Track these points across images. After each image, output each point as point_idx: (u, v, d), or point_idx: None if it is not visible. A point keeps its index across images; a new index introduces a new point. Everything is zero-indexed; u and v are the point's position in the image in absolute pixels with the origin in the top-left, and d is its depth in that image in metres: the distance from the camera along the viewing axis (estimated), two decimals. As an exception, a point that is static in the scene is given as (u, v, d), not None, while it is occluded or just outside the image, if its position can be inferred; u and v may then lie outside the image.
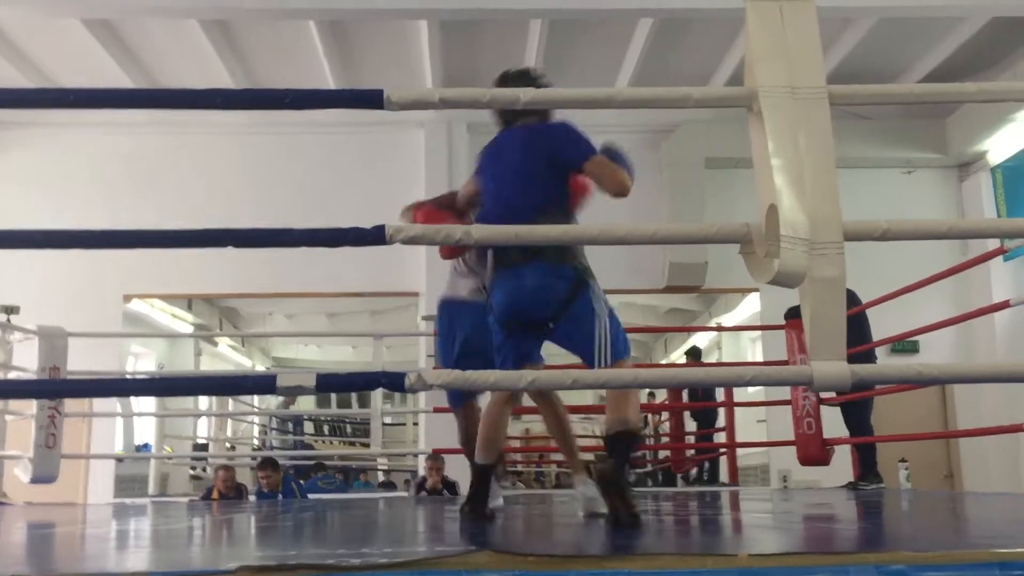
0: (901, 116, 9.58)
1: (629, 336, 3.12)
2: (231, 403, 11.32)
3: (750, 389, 8.94)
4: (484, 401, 3.46)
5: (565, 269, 3.01)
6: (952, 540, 2.18)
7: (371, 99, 2.18)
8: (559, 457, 11.69)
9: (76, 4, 7.05)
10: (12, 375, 6.11)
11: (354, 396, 13.34)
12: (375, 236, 2.14)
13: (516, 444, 12.43)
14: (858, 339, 5.71)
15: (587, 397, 12.85)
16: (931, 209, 9.53)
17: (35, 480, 5.97)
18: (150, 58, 8.48)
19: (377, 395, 7.18)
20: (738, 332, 11.81)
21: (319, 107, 2.32)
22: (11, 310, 6.36)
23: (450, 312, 4.15)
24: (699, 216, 9.01)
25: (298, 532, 2.82)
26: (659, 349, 14.74)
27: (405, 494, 8.31)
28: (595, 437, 13.04)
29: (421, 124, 9.12)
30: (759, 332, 9.44)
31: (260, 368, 15.20)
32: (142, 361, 11.49)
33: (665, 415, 10.56)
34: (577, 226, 2.30)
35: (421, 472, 7.99)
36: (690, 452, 9.71)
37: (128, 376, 9.08)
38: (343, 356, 15.79)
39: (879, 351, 6.56)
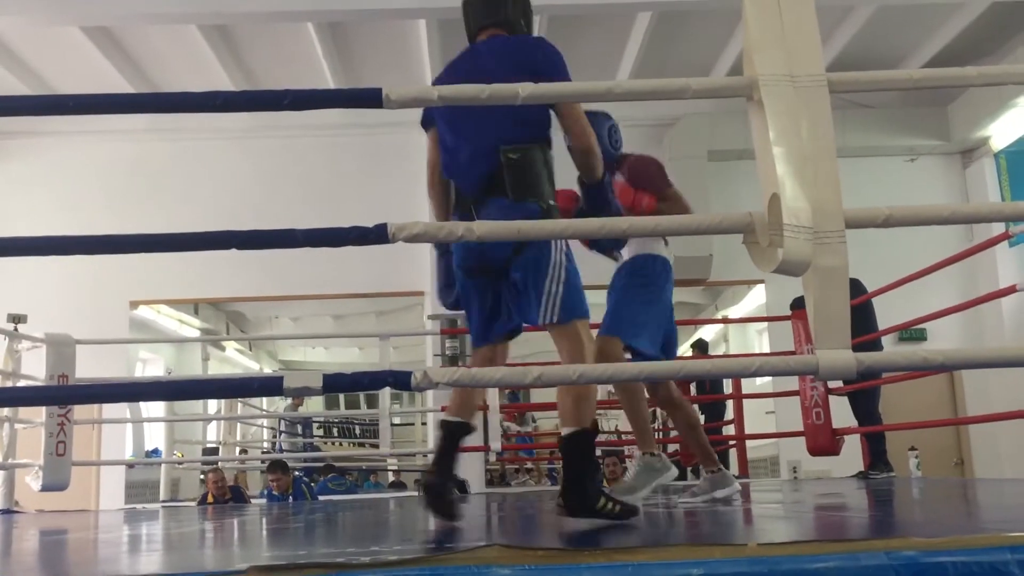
0: (903, 104, 9.56)
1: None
2: (240, 407, 11.34)
3: (758, 380, 8.95)
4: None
5: (528, 207, 2.73)
6: (963, 526, 2.18)
7: (370, 98, 2.17)
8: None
9: (75, 12, 7.06)
10: (21, 383, 6.12)
11: (362, 397, 13.37)
12: (377, 235, 2.14)
13: (527, 441, 12.44)
14: (864, 328, 5.71)
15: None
16: (935, 196, 9.50)
17: (46, 488, 5.98)
18: (151, 65, 8.51)
19: (385, 395, 7.18)
20: (745, 324, 11.81)
21: (318, 107, 2.32)
22: (18, 319, 6.37)
23: None
24: (703, 209, 8.99)
25: (308, 533, 2.83)
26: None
27: (415, 494, 8.32)
28: (603, 432, 13.05)
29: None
30: (766, 323, 9.42)
31: (268, 371, 15.23)
32: (150, 367, 11.52)
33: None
34: (579, 220, 2.29)
35: (431, 471, 8.00)
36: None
37: (136, 381, 9.09)
38: (350, 358, 15.81)
39: (886, 340, 6.54)
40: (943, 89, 8.78)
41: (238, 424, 12.67)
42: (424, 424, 11.02)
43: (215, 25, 7.77)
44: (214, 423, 12.09)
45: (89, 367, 6.43)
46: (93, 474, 8.47)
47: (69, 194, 9.12)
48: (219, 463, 8.83)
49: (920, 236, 8.37)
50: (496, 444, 6.89)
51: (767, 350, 9.51)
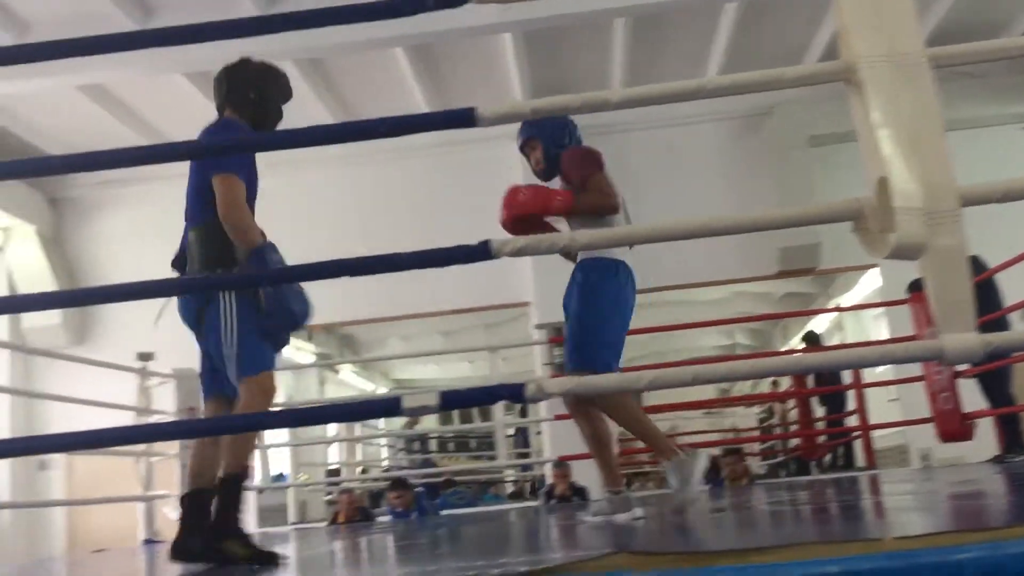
0: (1009, 72, 9.13)
1: (746, 325, 3.07)
2: (357, 428, 11.59)
3: (878, 368, 8.65)
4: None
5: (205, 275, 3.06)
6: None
7: (463, 118, 2.21)
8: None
9: (177, 60, 7.36)
10: (153, 418, 6.42)
11: (475, 410, 13.50)
12: (482, 252, 2.17)
13: (640, 444, 12.31)
14: (988, 306, 5.47)
15: (708, 392, 12.66)
16: (1055, 162, 9.04)
17: (183, 517, 6.24)
18: (251, 103, 8.81)
19: (499, 407, 7.24)
20: (860, 311, 11.46)
21: (414, 131, 2.37)
22: (147, 357, 6.69)
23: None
24: (808, 196, 8.79)
25: (435, 548, 2.87)
26: (777, 336, 14.40)
27: (535, 503, 8.34)
28: (719, 431, 12.85)
29: (514, 136, 9.16)
30: (883, 309, 9.12)
31: (382, 391, 15.52)
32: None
33: (791, 403, 10.32)
34: (679, 220, 2.27)
35: (549, 480, 8.01)
36: (821, 438, 9.44)
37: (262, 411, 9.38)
38: (461, 372, 15.99)
39: (1014, 316, 6.25)
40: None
41: (357, 445, 12.96)
42: (539, 433, 11.05)
43: (309, 59, 8.00)
44: (334, 445, 12.39)
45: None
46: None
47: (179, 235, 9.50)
48: (345, 483, 9.03)
49: (1042, 206, 7.98)
50: (613, 449, 6.83)
51: (886, 336, 9.21)
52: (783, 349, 13.50)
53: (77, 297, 3.75)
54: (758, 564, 1.45)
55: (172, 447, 6.48)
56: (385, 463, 13.90)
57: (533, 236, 2.26)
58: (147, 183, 9.66)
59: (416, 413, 2.20)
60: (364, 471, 12.83)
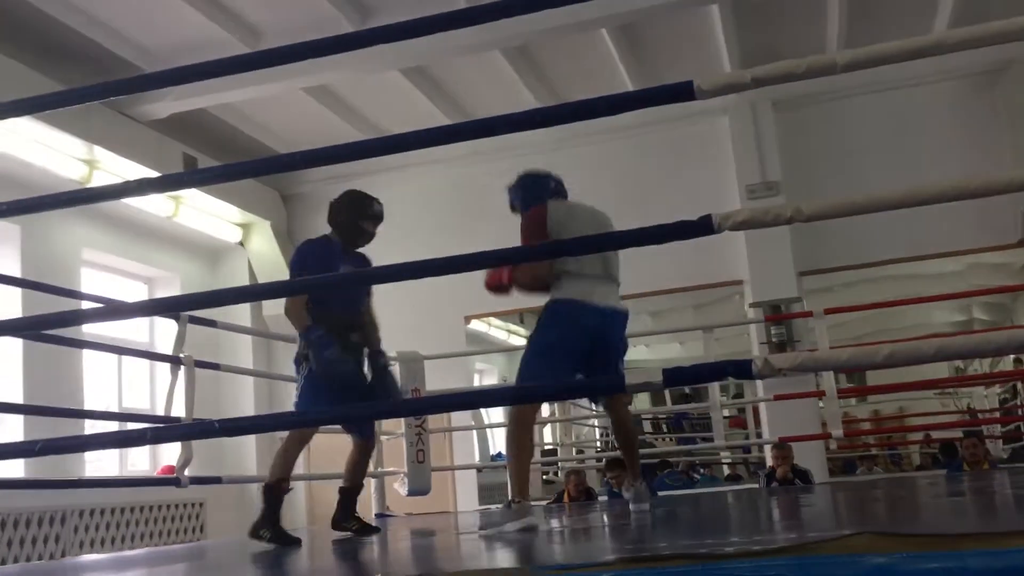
0: None
1: (984, 299, 2.86)
2: (571, 408, 11.72)
3: None
4: None
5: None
6: None
7: (681, 92, 2.18)
8: (917, 437, 10.91)
9: (393, 57, 7.69)
10: (381, 399, 6.77)
11: (686, 391, 13.32)
12: (702, 226, 2.14)
13: (866, 427, 11.77)
14: None
15: (941, 370, 11.87)
16: None
17: (411, 493, 6.57)
18: (462, 94, 9.08)
19: (714, 388, 7.11)
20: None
21: (630, 109, 2.36)
22: (374, 341, 7.05)
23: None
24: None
25: (659, 526, 2.87)
26: (1020, 310, 13.25)
27: (755, 486, 8.15)
28: (954, 412, 12.02)
29: (724, 110, 8.94)
30: None
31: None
32: (486, 377, 12.24)
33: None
34: (907, 187, 2.12)
35: (768, 463, 7.80)
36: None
37: (480, 389, 9.70)
38: (672, 353, 15.80)
39: None
40: None
41: (572, 426, 13.11)
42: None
43: (516, 47, 8.14)
44: (548, 426, 12.61)
45: (434, 380, 6.96)
46: (449, 479, 9.15)
47: (402, 223, 9.94)
48: (571, 463, 9.17)
49: None
50: (837, 430, 6.56)
51: None
52: (1026, 324, 12.43)
53: (312, 284, 4.04)
54: (1015, 549, 1.35)
55: (399, 426, 6.82)
56: (599, 444, 13.99)
57: (755, 209, 2.19)
58: (368, 177, 10.14)
59: (639, 390, 2.21)
60: (579, 452, 12.97)
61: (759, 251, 8.48)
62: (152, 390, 9.07)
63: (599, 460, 10.80)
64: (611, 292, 3.91)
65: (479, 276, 8.86)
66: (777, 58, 2.28)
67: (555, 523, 3.66)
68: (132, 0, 7.04)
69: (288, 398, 9.72)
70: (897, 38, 2.19)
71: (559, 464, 9.46)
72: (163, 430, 3.24)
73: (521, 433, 3.68)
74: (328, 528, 4.29)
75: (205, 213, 9.38)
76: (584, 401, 12.92)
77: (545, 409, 11.90)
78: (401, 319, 9.25)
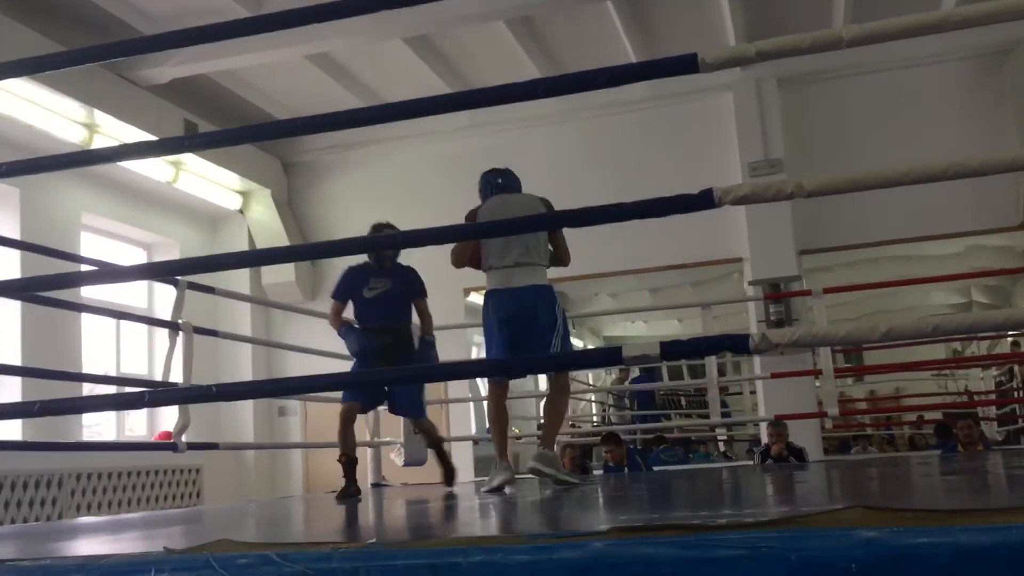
0: None
1: (983, 281, 2.86)
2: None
3: None
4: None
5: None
6: None
7: (685, 64, 2.17)
8: (910, 418, 10.94)
9: (397, 25, 7.65)
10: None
11: (684, 368, 13.35)
12: (703, 200, 2.13)
13: (862, 406, 11.80)
14: None
15: (938, 352, 11.88)
16: None
17: (407, 463, 6.59)
18: (464, 65, 9.03)
19: (712, 364, 7.12)
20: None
21: (634, 80, 2.34)
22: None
23: None
24: (1052, 143, 8.01)
25: (654, 499, 2.89)
26: (1019, 293, 13.25)
27: (750, 463, 8.19)
28: (950, 394, 12.05)
29: (728, 86, 8.90)
30: None
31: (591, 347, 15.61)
32: (483, 350, 12.23)
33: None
34: (920, 164, 2.11)
35: (763, 440, 7.84)
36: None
37: (476, 360, 9.72)
38: (670, 330, 15.82)
39: None
40: None
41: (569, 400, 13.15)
42: (752, 392, 10.79)
43: (520, 18, 8.09)
44: (545, 400, 12.64)
45: (434, 351, 6.96)
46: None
47: (400, 193, 9.93)
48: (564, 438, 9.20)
49: None
50: (833, 409, 6.58)
51: None
52: (1024, 308, 12.42)
53: (310, 250, 4.05)
54: (1006, 525, 1.36)
55: (396, 396, 6.83)
56: (595, 419, 14.04)
57: (758, 182, 2.18)
58: (369, 147, 10.15)
59: (637, 363, 2.21)
60: (574, 426, 13.02)
61: (759, 229, 8.47)
62: (150, 356, 9.10)
63: (595, 435, 10.84)
64: (528, 275, 4.40)
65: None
66: (783, 34, 2.27)
67: (549, 495, 3.68)
68: (134, -37, 6.99)
69: (286, 366, 9.81)
70: (907, 10, 2.17)
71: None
72: (161, 394, 3.25)
73: (491, 406, 4.63)
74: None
75: (205, 179, 9.36)
76: (581, 375, 13.01)
77: (542, 383, 11.94)
78: (400, 290, 9.29)
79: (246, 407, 9.66)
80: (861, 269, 10.85)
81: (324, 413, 9.33)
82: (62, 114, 7.45)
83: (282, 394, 7.61)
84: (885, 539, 1.32)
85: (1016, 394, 10.76)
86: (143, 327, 8.79)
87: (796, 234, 8.46)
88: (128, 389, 6.27)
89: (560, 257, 4.73)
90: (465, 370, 5.19)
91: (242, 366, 9.62)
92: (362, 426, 6.82)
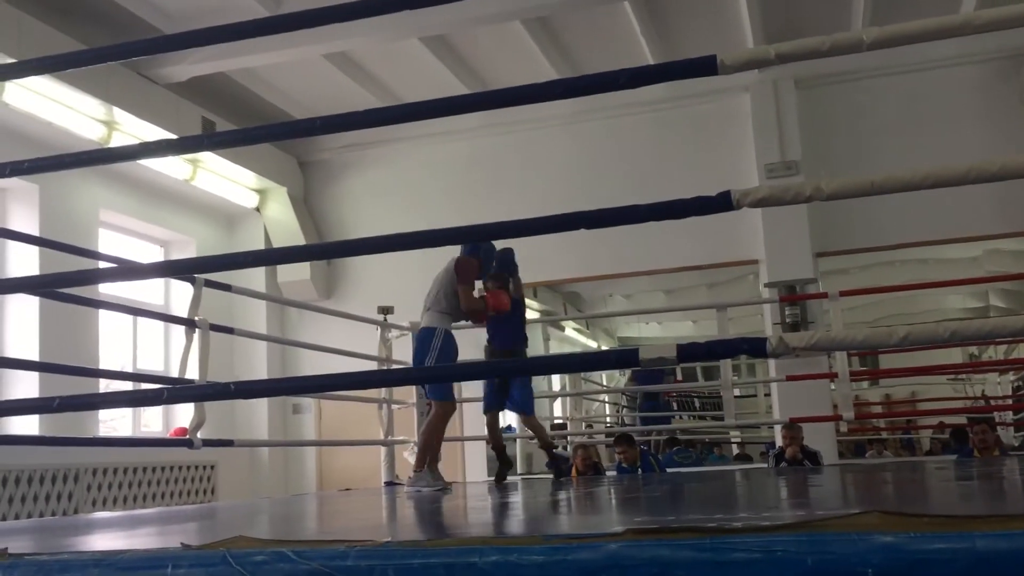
0: None
1: (1001, 285, 2.84)
2: (582, 384, 11.75)
3: None
4: None
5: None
6: None
7: (704, 66, 2.16)
8: (931, 422, 10.88)
9: (414, 25, 7.66)
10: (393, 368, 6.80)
11: (699, 370, 13.32)
12: (721, 203, 2.13)
13: (877, 410, 11.75)
14: None
15: (954, 356, 11.81)
16: None
17: (421, 462, 6.60)
18: (481, 65, 9.04)
19: (727, 367, 7.10)
20: None
21: (652, 82, 2.34)
22: (387, 311, 7.09)
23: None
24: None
25: (668, 501, 2.88)
26: (1036, 299, 13.16)
27: (764, 465, 8.16)
28: (966, 398, 11.99)
29: (746, 88, 8.87)
30: None
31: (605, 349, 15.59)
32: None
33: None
34: (939, 168, 2.10)
35: (778, 443, 7.81)
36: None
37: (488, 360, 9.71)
38: (684, 331, 15.79)
39: None
40: None
41: (582, 400, 13.14)
42: (767, 395, 10.75)
43: (537, 18, 8.09)
44: (559, 400, 12.64)
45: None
46: (459, 449, 9.19)
47: (416, 193, 9.95)
48: (579, 438, 9.20)
49: None
50: (848, 412, 6.56)
51: None
52: (1042, 313, 12.33)
53: (326, 250, 4.05)
54: (1018, 531, 1.35)
55: (410, 396, 6.85)
56: (608, 420, 14.03)
57: (776, 185, 2.18)
58: (385, 146, 10.17)
59: (653, 365, 2.20)
60: (589, 426, 13.01)
61: (776, 231, 8.44)
62: (167, 353, 9.14)
63: (609, 435, 10.83)
64: (423, 316, 5.63)
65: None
66: (801, 36, 2.26)
67: (564, 495, 3.68)
68: (154, -39, 7.03)
69: (300, 363, 9.84)
70: (924, 14, 2.16)
71: (567, 438, 9.47)
72: (179, 390, 3.26)
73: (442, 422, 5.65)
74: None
75: (222, 178, 9.40)
76: (595, 376, 12.99)
77: (556, 383, 11.96)
78: (415, 289, 9.25)
79: (261, 404, 9.70)
80: (877, 272, 10.80)
81: (338, 411, 9.37)
82: (82, 111, 7.50)
83: (299, 392, 7.64)
84: (902, 544, 1.32)
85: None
86: (159, 324, 8.84)
87: (812, 236, 8.43)
88: (144, 385, 6.32)
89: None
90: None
91: (257, 364, 9.66)
92: (376, 425, 6.85)
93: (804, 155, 8.59)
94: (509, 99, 2.86)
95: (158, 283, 9.14)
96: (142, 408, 8.59)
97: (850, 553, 1.32)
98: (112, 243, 8.61)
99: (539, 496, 3.69)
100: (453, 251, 5.81)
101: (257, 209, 10.11)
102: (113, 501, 7.70)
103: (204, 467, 8.76)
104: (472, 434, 9.00)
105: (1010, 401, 11.52)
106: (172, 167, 8.63)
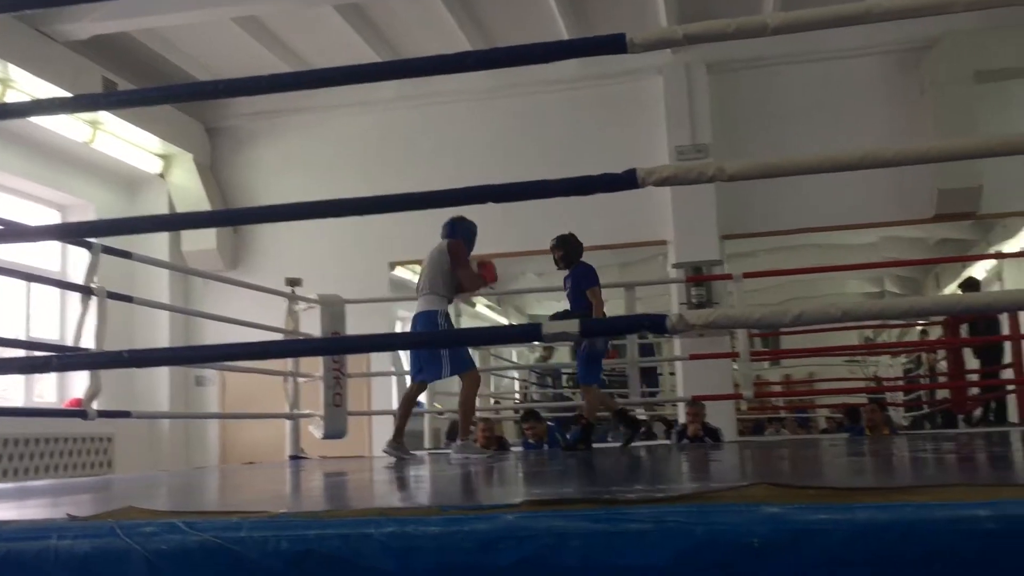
0: None
1: (896, 271, 2.96)
2: (492, 360, 11.80)
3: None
4: None
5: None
6: None
7: (613, 44, 2.17)
8: (828, 401, 11.28)
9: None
10: (300, 340, 6.69)
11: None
12: (627, 180, 2.15)
13: (777, 389, 12.10)
14: None
15: (851, 339, 12.24)
16: None
17: (327, 436, 6.54)
18: (397, 36, 8.93)
19: (633, 344, 7.22)
20: (1022, 260, 10.80)
21: (562, 58, 2.34)
22: (295, 282, 6.97)
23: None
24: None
25: (569, 474, 2.92)
26: (930, 284, 13.75)
27: (667, 442, 8.34)
28: (861, 380, 12.45)
29: (659, 70, 8.97)
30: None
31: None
32: (408, 325, 12.17)
33: (942, 353, 9.89)
34: (837, 152, 2.17)
35: (681, 420, 7.99)
36: (973, 391, 9.03)
37: (399, 333, 9.67)
38: (595, 310, 15.95)
39: None
40: None
41: (491, 376, 13.20)
42: (672, 374, 10.98)
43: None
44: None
45: (356, 325, 6.92)
46: (366, 424, 9.14)
47: (330, 163, 9.80)
48: (481, 413, 9.22)
49: None
50: (748, 391, 6.74)
51: (1049, 287, 8.66)
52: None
53: (232, 216, 3.95)
54: (902, 504, 1.41)
55: (317, 369, 6.77)
56: (517, 396, 14.13)
57: (680, 164, 2.21)
58: (297, 115, 9.97)
59: (557, 339, 2.23)
60: (496, 402, 13.08)
61: (684, 212, 8.59)
62: (62, 322, 8.83)
63: (516, 412, 10.92)
64: (420, 301, 5.72)
65: (405, 222, 8.85)
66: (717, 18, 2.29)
67: (470, 470, 3.69)
68: (54, -88, 6.71)
69: (205, 335, 9.61)
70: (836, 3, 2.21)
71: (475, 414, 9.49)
72: (69, 358, 3.15)
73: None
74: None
75: (124, 141, 9.08)
76: (504, 352, 13.03)
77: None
78: (324, 262, 9.18)
79: (161, 376, 9.46)
80: (782, 256, 11.11)
81: (243, 384, 9.20)
82: (-27, 67, 7.15)
83: (197, 362, 7.47)
84: (787, 515, 1.36)
85: (922, 381, 11.16)
86: (56, 292, 8.52)
87: (719, 219, 8.61)
88: (37, 354, 6.08)
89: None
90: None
91: (159, 335, 9.40)
92: (282, 398, 6.75)
93: (715, 138, 8.75)
94: (422, 69, 2.83)
95: (55, 248, 8.80)
96: (35, 377, 8.28)
97: (737, 523, 1.35)
98: (5, 206, 8.25)
99: (445, 470, 3.70)
100: (433, 236, 6.12)
101: (161, 175, 9.81)
102: (3, 473, 7.43)
103: (100, 439, 8.51)
104: (380, 407, 8.97)
105: (901, 383, 12.01)
106: (70, 128, 8.29)
